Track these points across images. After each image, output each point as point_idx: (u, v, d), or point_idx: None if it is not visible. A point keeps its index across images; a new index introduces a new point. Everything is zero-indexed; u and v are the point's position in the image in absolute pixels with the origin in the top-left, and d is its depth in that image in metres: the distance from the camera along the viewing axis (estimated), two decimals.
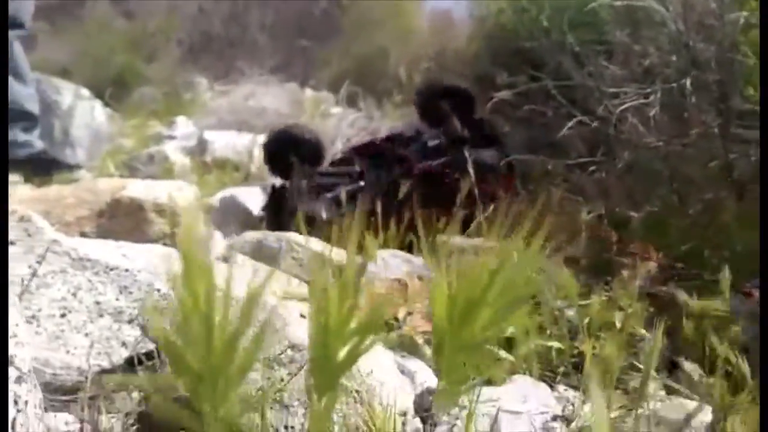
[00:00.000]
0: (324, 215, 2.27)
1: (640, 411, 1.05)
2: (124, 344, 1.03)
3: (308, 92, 9.28)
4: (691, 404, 1.08)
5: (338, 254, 2.05)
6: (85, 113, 4.30)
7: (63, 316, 1.00)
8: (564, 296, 1.48)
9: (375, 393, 0.76)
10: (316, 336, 0.57)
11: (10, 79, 2.35)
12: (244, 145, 4.49)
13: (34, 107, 2.64)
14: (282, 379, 0.75)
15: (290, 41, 12.72)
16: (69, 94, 4.25)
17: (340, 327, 0.57)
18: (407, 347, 1.49)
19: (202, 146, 4.64)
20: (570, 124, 2.18)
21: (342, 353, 0.57)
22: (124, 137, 5.70)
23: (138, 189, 1.65)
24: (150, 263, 1.17)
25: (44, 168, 2.71)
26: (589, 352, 1.19)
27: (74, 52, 8.60)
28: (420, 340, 1.53)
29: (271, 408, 0.72)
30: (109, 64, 8.10)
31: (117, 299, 1.08)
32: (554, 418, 1.00)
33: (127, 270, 1.09)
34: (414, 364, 1.17)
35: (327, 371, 0.56)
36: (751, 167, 1.73)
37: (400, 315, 1.66)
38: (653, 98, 1.83)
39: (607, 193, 1.94)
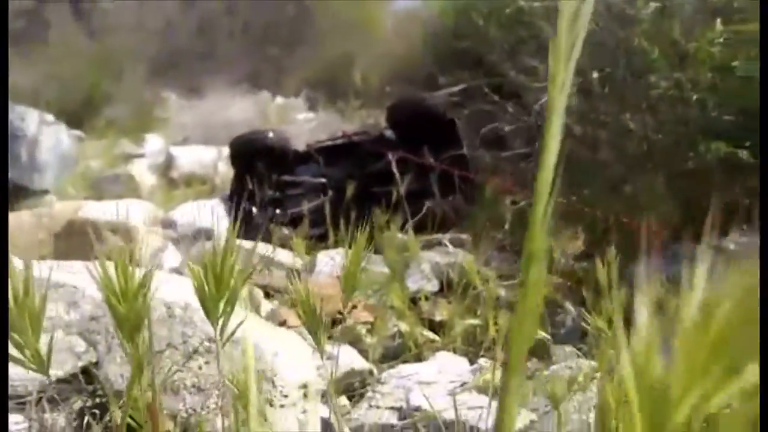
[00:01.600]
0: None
1: (545, 372, 1.18)
2: (75, 355, 1.13)
3: (279, 100, 9.38)
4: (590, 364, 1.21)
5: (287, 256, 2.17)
6: (51, 138, 4.36)
7: None
8: (486, 280, 1.61)
9: (277, 371, 0.88)
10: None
11: None
12: (211, 158, 4.59)
13: None
14: (200, 367, 0.87)
15: (259, 50, 12.77)
16: (33, 120, 4.32)
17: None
18: (352, 337, 1.62)
19: (168, 162, 4.73)
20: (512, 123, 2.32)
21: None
22: (93, 159, 5.77)
23: (92, 210, 1.75)
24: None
25: (11, 195, 2.78)
26: (505, 326, 1.32)
27: (42, 76, 8.61)
28: (363, 330, 1.65)
29: (190, 393, 0.83)
30: (77, 86, 8.14)
31: (67, 314, 1.18)
32: (462, 384, 1.13)
33: (74, 287, 1.20)
34: (343, 349, 1.29)
35: None
36: (666, 149, 1.87)
37: (344, 308, 1.79)
38: (571, 91, 1.97)
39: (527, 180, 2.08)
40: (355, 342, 1.59)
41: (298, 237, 1.88)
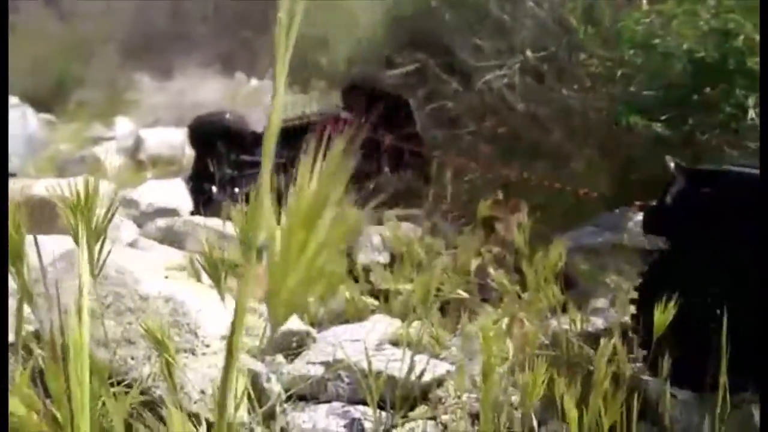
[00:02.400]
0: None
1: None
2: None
3: (253, 82, 9.33)
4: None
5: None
6: (17, 122, 4.35)
7: None
8: (429, 249, 1.70)
9: (200, 324, 0.96)
10: None
11: None
12: (180, 140, 4.62)
13: None
14: (130, 323, 0.95)
15: (233, 33, 12.66)
16: None
17: None
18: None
19: (137, 145, 4.75)
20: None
21: None
22: (62, 142, 5.76)
23: (43, 187, 1.81)
24: (50, 251, 1.34)
25: None
26: (433, 290, 1.42)
27: (11, 61, 8.51)
28: (311, 299, 1.73)
29: (120, 346, 0.91)
30: (47, 71, 8.06)
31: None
32: (381, 341, 1.23)
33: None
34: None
35: None
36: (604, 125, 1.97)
37: None
38: (512, 70, 2.06)
39: (477, 156, 2.18)
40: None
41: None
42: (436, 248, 1.77)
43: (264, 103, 6.40)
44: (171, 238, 1.98)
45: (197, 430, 0.86)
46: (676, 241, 1.10)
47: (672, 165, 1.12)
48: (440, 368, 1.17)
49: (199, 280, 1.31)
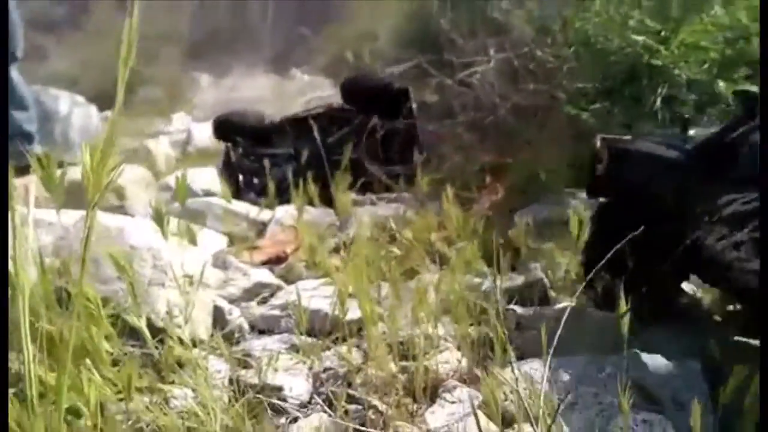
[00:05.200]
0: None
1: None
2: None
3: (306, 78, 9.76)
4: None
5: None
6: (81, 118, 4.88)
7: None
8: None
9: (170, 266, 1.29)
10: None
11: (11, 108, 2.75)
12: None
13: (32, 128, 3.02)
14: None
15: (290, 30, 13.16)
16: (66, 101, 4.85)
17: None
18: (293, 272, 2.03)
19: (188, 138, 5.23)
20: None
21: None
22: (123, 137, 6.32)
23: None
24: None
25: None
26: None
27: (81, 61, 9.25)
28: (300, 265, 2.06)
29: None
30: (113, 70, 8.69)
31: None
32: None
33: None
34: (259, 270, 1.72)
35: None
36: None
37: (288, 250, 2.20)
38: (489, 66, 2.31)
39: (461, 144, 2.44)
40: (295, 274, 2.01)
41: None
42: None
43: (307, 97, 6.78)
44: (190, 215, 2.34)
45: (165, 343, 1.19)
46: (608, 199, 1.48)
47: (599, 141, 1.44)
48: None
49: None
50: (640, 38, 1.60)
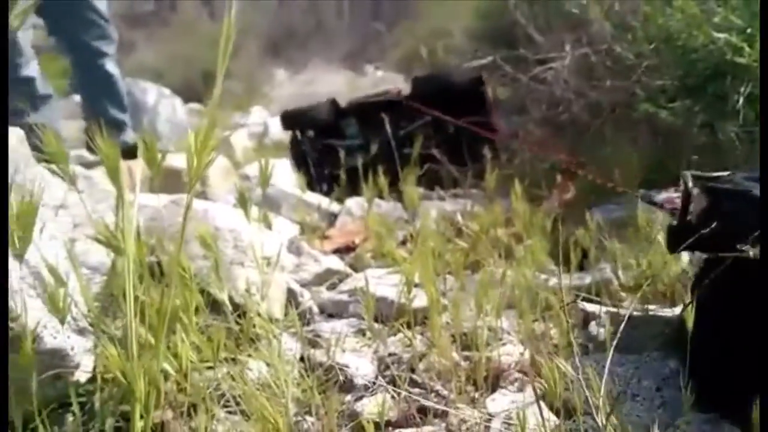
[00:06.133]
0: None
1: None
2: None
3: (379, 73, 9.87)
4: None
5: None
6: (167, 109, 5.14)
7: None
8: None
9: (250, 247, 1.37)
10: None
11: (106, 100, 2.90)
12: None
13: (124, 117, 3.17)
14: None
15: (365, 26, 13.34)
16: (153, 93, 5.13)
17: None
18: (361, 261, 2.10)
19: (264, 130, 5.42)
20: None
21: None
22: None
23: (175, 160, 2.35)
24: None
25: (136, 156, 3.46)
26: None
27: (167, 55, 9.71)
28: (368, 255, 2.12)
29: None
30: (197, 64, 9.12)
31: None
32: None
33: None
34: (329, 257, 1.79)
35: None
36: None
37: (357, 240, 2.27)
38: (564, 63, 2.30)
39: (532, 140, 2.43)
40: (363, 264, 2.07)
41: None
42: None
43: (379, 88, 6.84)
44: (268, 203, 2.45)
45: (243, 319, 1.27)
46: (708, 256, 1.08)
47: (689, 179, 1.09)
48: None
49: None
50: (722, 35, 1.56)
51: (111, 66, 2.83)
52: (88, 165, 2.62)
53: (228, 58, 0.80)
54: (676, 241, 1.08)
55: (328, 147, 3.04)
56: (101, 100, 2.77)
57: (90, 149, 2.65)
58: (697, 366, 0.97)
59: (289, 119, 3.22)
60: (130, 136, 3.13)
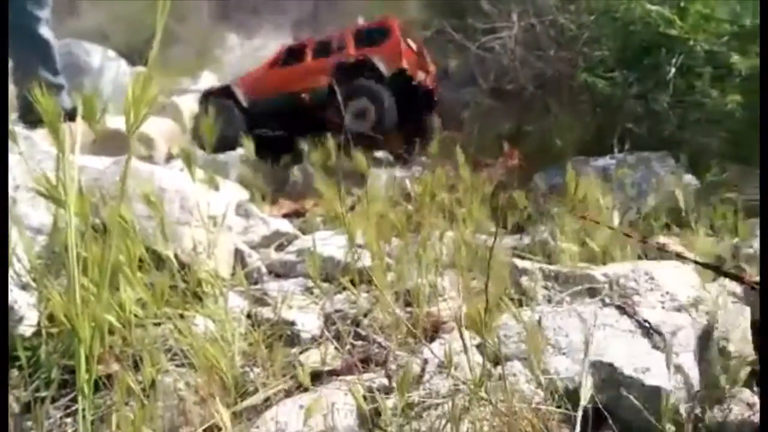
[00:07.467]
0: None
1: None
2: None
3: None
4: None
5: None
6: (112, 72, 4.99)
7: None
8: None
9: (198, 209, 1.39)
10: None
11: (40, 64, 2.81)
12: None
13: (60, 80, 3.07)
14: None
15: None
16: (98, 55, 4.96)
17: None
18: (310, 225, 2.12)
19: None
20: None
21: None
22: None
23: (118, 122, 2.31)
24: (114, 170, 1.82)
25: (74, 120, 3.37)
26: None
27: (112, 17, 9.35)
28: (318, 219, 2.15)
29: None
30: (142, 26, 8.82)
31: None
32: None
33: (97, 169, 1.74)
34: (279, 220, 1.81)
35: None
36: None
37: (307, 206, 2.30)
38: (511, 33, 2.34)
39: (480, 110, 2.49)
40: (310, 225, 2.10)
41: None
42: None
43: None
44: (215, 167, 2.44)
45: (187, 275, 1.29)
46: None
47: None
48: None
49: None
50: (655, 7, 1.63)
51: (45, 30, 2.75)
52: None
53: (165, 16, 0.80)
54: None
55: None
56: (35, 64, 2.69)
57: (23, 118, 2.58)
58: None
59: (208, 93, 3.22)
60: (65, 100, 3.05)
